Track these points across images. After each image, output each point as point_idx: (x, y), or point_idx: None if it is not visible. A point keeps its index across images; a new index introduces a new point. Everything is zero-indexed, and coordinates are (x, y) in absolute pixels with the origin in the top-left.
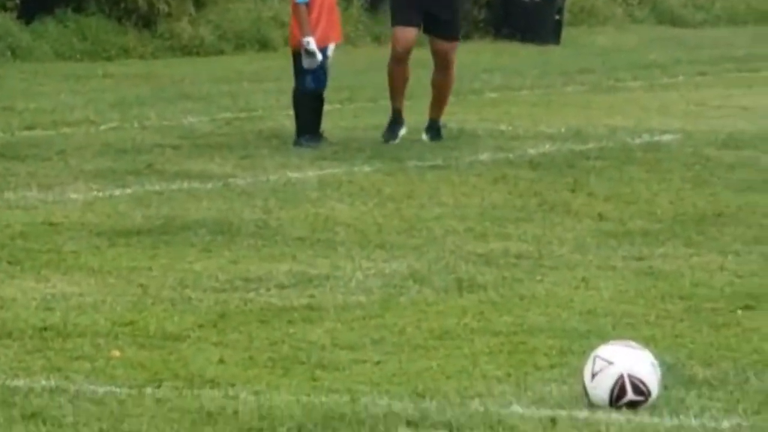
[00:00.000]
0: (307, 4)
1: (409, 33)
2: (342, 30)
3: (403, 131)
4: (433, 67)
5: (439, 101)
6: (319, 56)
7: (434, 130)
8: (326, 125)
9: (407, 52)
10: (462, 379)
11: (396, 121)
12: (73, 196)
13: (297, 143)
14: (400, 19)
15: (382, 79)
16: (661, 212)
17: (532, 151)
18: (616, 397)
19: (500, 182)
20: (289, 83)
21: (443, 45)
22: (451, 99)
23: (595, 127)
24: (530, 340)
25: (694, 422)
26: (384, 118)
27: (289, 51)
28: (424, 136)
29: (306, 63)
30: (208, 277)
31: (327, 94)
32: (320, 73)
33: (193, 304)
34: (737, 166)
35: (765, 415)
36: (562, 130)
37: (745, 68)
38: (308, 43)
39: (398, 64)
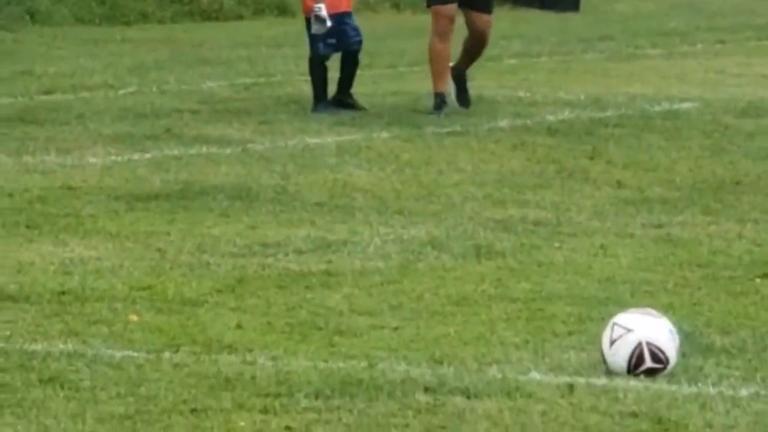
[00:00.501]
0: None
1: (450, 10)
2: None
3: (447, 109)
4: (468, 36)
5: (468, 56)
6: (329, 23)
7: (454, 78)
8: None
9: (451, 27)
10: (480, 346)
11: (440, 104)
12: (92, 160)
13: (314, 110)
14: None
15: (401, 45)
16: (680, 180)
17: (550, 118)
18: (635, 365)
19: (519, 149)
20: (308, 48)
21: (480, 19)
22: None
23: (614, 95)
24: (548, 307)
25: (712, 390)
26: (403, 84)
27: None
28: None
29: (314, 28)
30: (226, 242)
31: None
32: (344, 36)
33: (211, 269)
34: (756, 135)
35: None
36: (581, 97)
37: (765, 36)
38: (319, 9)
39: (442, 41)
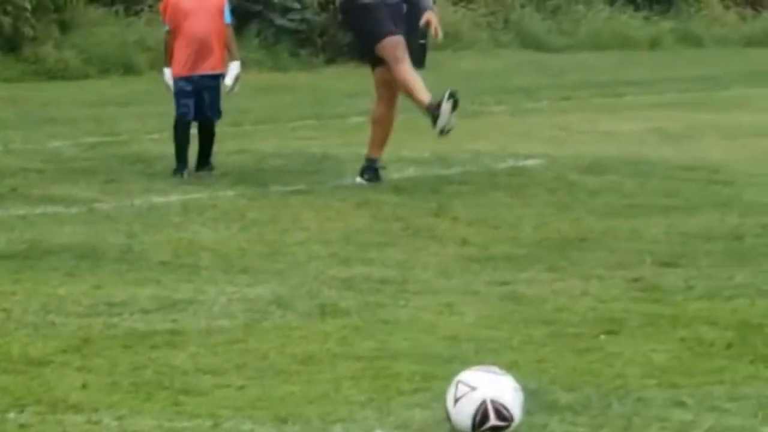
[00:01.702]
0: (172, 32)
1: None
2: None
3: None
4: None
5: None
6: (170, 85)
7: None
8: (190, 150)
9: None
10: (325, 404)
11: (369, 170)
12: None
13: (174, 174)
14: (386, 28)
15: (246, 103)
16: (525, 237)
17: (396, 176)
18: (479, 423)
19: (364, 207)
20: (154, 107)
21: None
22: (313, 123)
23: (459, 152)
24: (393, 365)
25: None
26: (248, 143)
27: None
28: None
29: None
30: (72, 302)
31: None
32: (200, 103)
33: (56, 328)
34: (600, 191)
35: None
36: (426, 154)
37: (609, 93)
38: (163, 73)
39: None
